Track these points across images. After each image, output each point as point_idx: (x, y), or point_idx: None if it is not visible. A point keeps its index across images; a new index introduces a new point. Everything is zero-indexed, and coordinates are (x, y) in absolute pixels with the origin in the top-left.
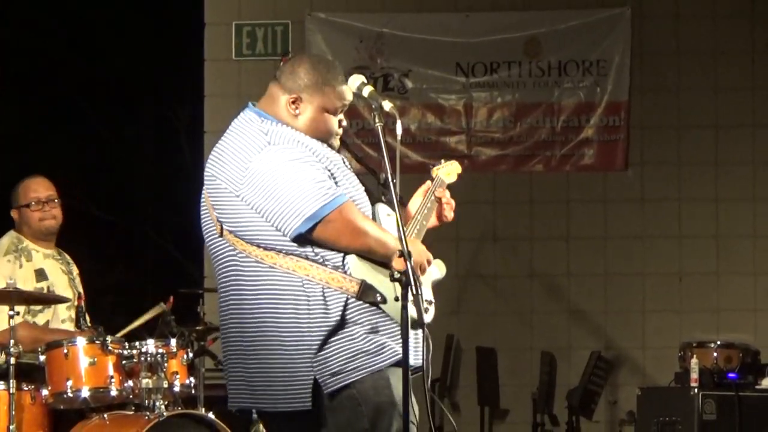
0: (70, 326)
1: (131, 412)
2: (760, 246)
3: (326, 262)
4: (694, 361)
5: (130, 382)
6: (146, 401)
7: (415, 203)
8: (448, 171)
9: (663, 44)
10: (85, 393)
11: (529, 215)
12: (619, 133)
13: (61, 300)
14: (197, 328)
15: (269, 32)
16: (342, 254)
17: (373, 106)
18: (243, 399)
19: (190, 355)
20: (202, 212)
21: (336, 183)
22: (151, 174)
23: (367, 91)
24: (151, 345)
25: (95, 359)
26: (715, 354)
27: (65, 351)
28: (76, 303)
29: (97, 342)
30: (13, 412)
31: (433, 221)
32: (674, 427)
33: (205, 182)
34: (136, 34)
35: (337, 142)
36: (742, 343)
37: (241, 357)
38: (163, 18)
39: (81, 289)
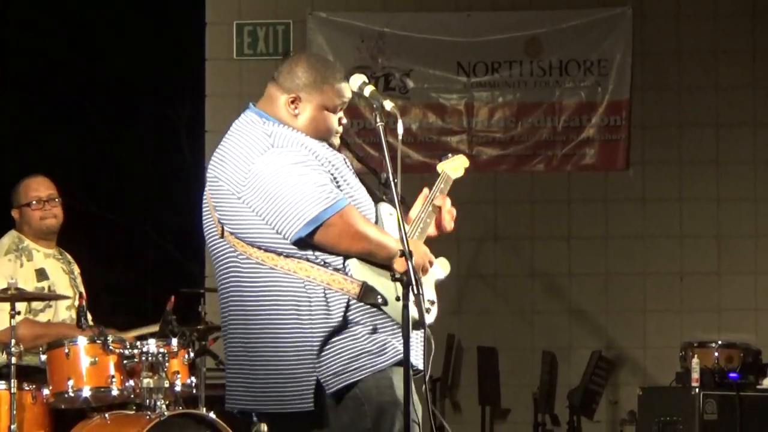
0: None
1: (132, 412)
2: (761, 245)
3: (327, 265)
4: (695, 360)
5: (132, 382)
6: (147, 401)
7: (416, 209)
8: (455, 166)
9: (664, 44)
10: (87, 393)
11: (530, 215)
12: (620, 133)
13: (62, 298)
14: (198, 327)
15: (270, 32)
16: (343, 257)
17: (375, 106)
18: (243, 401)
19: (192, 354)
20: (203, 213)
21: (338, 186)
22: (151, 174)
23: (368, 90)
24: (152, 344)
25: (96, 359)
26: (716, 354)
27: (66, 351)
28: (77, 303)
29: (98, 341)
30: (14, 412)
31: (432, 231)
32: (675, 427)
33: (207, 183)
34: (136, 34)
35: (337, 141)
36: (743, 343)
37: (243, 358)
38: (163, 18)
39: (82, 289)
